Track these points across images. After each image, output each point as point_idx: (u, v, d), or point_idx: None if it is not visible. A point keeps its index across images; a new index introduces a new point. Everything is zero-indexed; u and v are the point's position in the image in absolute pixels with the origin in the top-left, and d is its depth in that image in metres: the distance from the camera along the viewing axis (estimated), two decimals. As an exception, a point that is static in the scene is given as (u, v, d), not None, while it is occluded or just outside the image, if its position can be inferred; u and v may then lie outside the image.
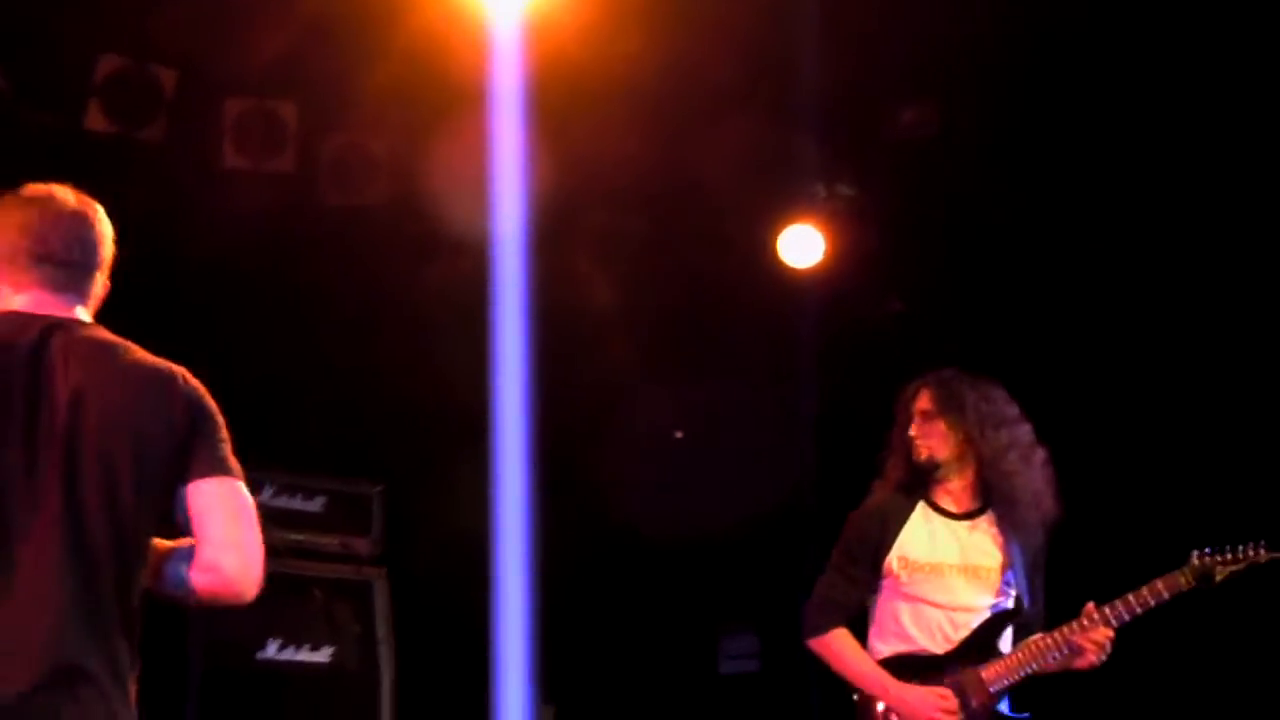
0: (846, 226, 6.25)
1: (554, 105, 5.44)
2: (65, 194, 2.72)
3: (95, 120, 5.59)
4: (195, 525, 2.55)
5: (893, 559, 4.13)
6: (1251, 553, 3.96)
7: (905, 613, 4.12)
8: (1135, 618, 3.97)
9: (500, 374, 5.89)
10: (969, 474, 4.15)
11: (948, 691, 4.03)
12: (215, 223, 5.79)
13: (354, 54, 5.42)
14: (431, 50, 5.30)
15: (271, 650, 5.91)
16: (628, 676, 7.33)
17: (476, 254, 5.80)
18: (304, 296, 6.46)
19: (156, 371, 2.59)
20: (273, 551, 6.17)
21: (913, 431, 4.17)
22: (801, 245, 6.28)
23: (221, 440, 2.63)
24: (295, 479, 6.24)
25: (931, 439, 4.14)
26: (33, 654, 2.38)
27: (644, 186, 6.01)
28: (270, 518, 6.01)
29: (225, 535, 2.57)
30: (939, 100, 5.74)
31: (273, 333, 6.52)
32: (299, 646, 5.97)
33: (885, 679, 4.08)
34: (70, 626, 2.42)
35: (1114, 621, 3.95)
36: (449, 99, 5.51)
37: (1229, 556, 3.95)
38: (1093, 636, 3.95)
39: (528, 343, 5.92)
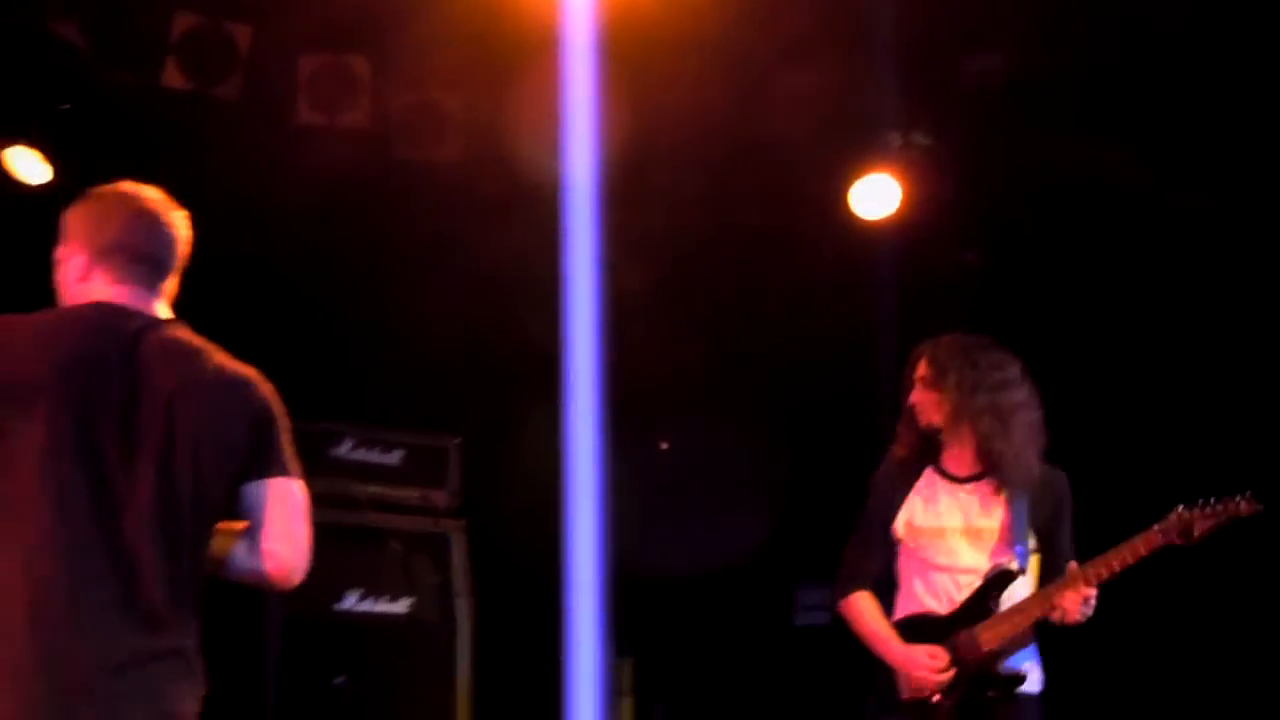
0: (922, 176, 6.19)
1: (627, 57, 5.41)
2: (155, 195, 2.96)
3: (172, 78, 5.64)
4: (263, 518, 2.86)
5: (899, 524, 4.23)
6: (1233, 505, 3.88)
7: (915, 576, 4.21)
8: (1115, 575, 3.96)
9: (572, 327, 5.90)
10: (968, 437, 4.19)
11: (939, 650, 4.09)
12: (290, 179, 5.83)
13: (426, 7, 5.42)
14: (503, 3, 5.29)
15: (350, 601, 5.98)
16: (704, 628, 7.35)
17: (549, 207, 5.79)
18: (379, 251, 6.49)
19: (236, 377, 2.88)
20: (352, 504, 6.32)
21: (913, 398, 4.26)
22: (877, 195, 6.23)
23: (287, 442, 2.93)
24: (373, 432, 6.30)
25: (928, 406, 4.22)
26: (138, 631, 2.67)
27: (717, 137, 5.96)
28: (349, 471, 6.15)
29: (285, 529, 2.88)
30: (1015, 46, 5.65)
31: (348, 288, 6.56)
32: (377, 598, 6.04)
33: (888, 640, 4.18)
34: (166, 608, 2.71)
35: (1094, 580, 3.96)
36: (521, 52, 5.49)
37: (1208, 510, 3.89)
38: (1072, 595, 3.95)
39: (599, 296, 5.92)
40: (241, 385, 2.87)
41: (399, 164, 6.12)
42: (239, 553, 2.87)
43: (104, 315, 2.82)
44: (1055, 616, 4.01)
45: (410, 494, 6.31)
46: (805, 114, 5.70)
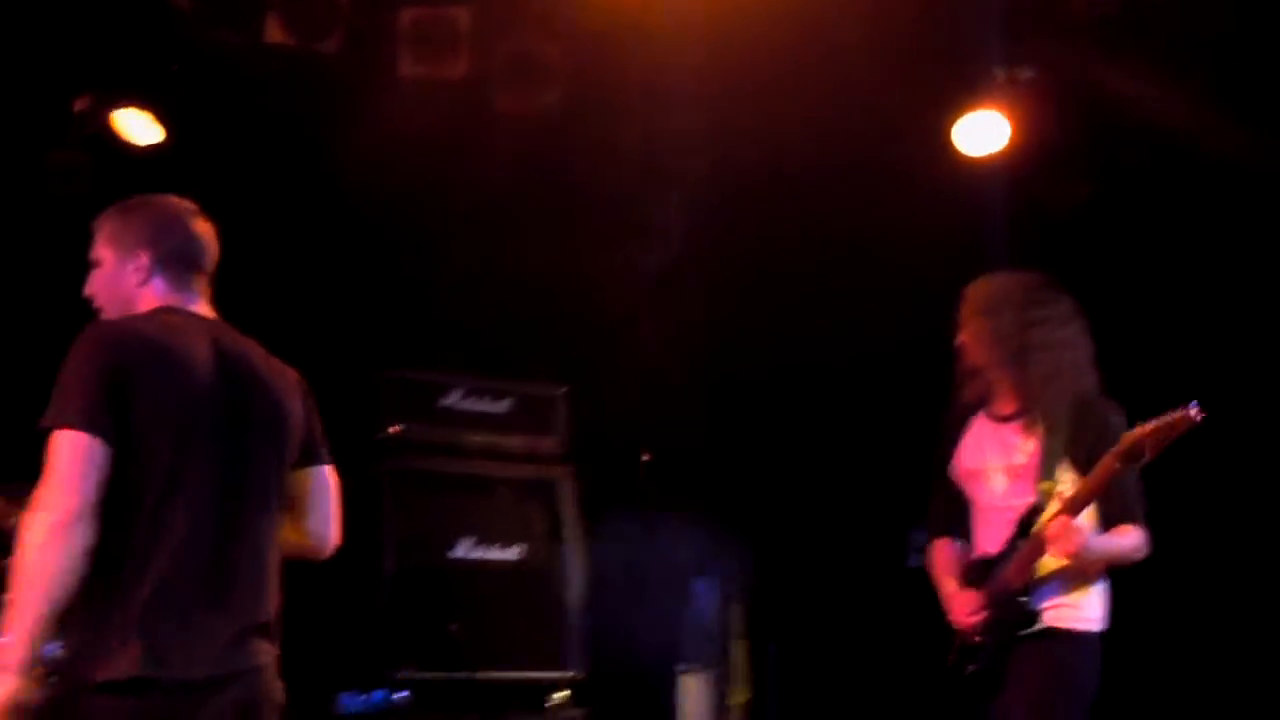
0: (1028, 110, 6.07)
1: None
2: (193, 206, 3.23)
3: (274, 34, 5.68)
4: (318, 501, 3.21)
5: (955, 468, 4.30)
6: (1174, 418, 3.72)
7: (975, 518, 4.26)
8: (1084, 505, 3.93)
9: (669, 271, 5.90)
10: (1004, 376, 4.19)
11: (974, 592, 4.14)
12: (392, 131, 5.86)
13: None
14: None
15: (462, 549, 6.04)
16: (818, 570, 7.33)
17: (648, 158, 5.78)
18: (481, 202, 6.51)
19: (288, 372, 3.21)
20: (462, 452, 6.38)
21: (958, 339, 4.28)
22: (982, 132, 6.12)
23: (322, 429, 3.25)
24: (482, 382, 6.34)
25: (969, 346, 4.24)
26: (246, 612, 3.00)
27: (816, 76, 5.89)
28: (459, 420, 6.21)
29: (331, 512, 3.24)
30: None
31: (451, 239, 6.60)
32: (489, 545, 6.10)
33: (943, 585, 4.29)
34: (264, 590, 3.05)
35: (1069, 511, 3.93)
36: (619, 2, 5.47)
37: (1151, 427, 3.76)
38: (1052, 527, 3.93)
39: (697, 239, 5.91)
40: (295, 378, 3.21)
41: (499, 115, 6.12)
42: (292, 534, 3.19)
43: (178, 320, 3.06)
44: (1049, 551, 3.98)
45: (519, 442, 6.35)
46: (907, 49, 5.62)
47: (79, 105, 5.96)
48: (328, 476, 3.24)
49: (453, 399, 6.27)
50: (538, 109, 6.07)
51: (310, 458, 3.19)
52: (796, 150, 6.20)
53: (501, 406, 6.36)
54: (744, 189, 6.29)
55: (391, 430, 6.04)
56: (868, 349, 6.88)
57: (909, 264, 6.44)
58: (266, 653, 3.02)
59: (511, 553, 6.14)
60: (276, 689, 3.04)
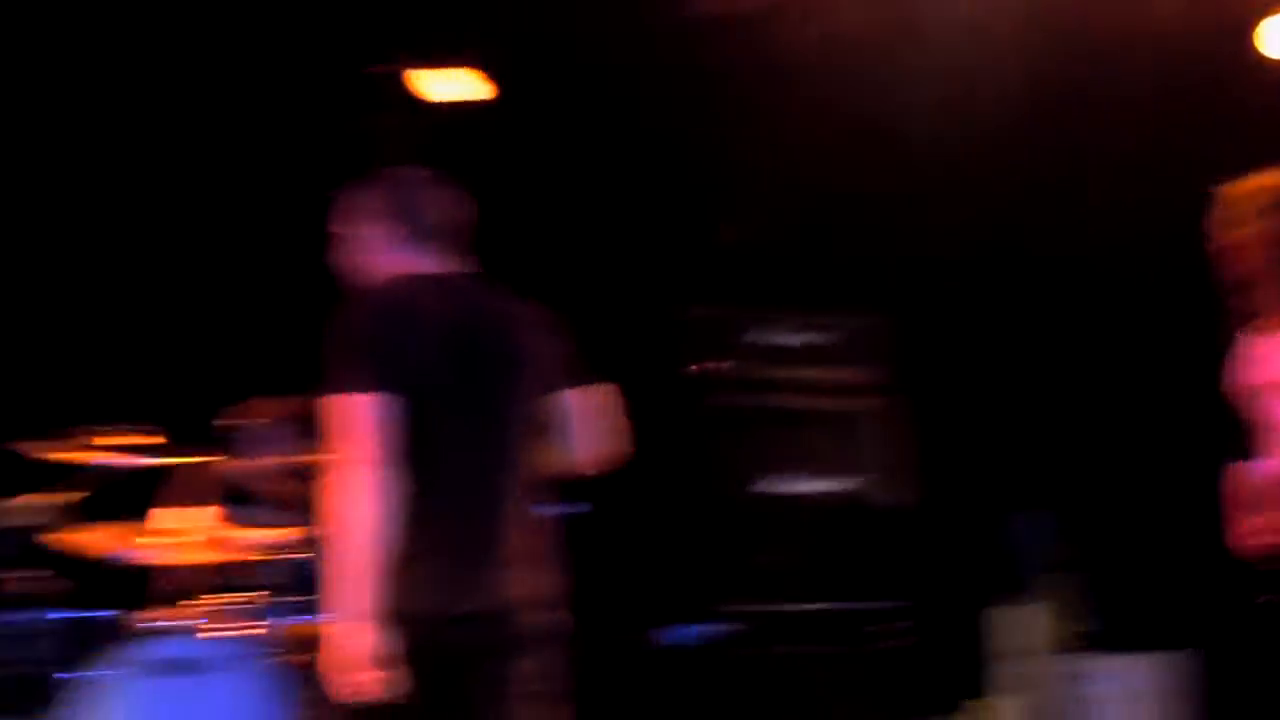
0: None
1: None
2: (436, 176, 3.38)
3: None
4: (559, 425, 3.32)
5: (1233, 385, 3.98)
6: None
7: (1258, 437, 3.93)
8: None
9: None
10: (1269, 285, 3.86)
11: (1256, 517, 3.84)
12: (690, 63, 5.89)
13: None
14: None
15: (781, 483, 6.07)
16: (1140, 501, 7.10)
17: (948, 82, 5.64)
18: (796, 137, 6.47)
19: (531, 312, 3.35)
20: (780, 386, 6.38)
21: (1223, 244, 3.95)
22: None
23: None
24: (807, 315, 6.34)
25: (1240, 252, 3.91)
26: (501, 548, 3.16)
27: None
28: (782, 353, 6.21)
29: (578, 433, 3.35)
30: None
31: (770, 172, 6.57)
32: (807, 478, 6.11)
33: (1228, 510, 3.96)
34: (517, 525, 3.20)
35: None
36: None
37: None
38: None
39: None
40: (538, 317, 3.35)
41: (793, 45, 6.07)
42: (546, 457, 3.31)
43: (434, 286, 3.24)
44: None
45: (841, 374, 6.31)
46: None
47: (393, 67, 6.18)
48: (572, 401, 3.34)
49: (778, 332, 6.28)
50: (832, 37, 6.00)
51: (556, 385, 3.31)
52: (1095, 54, 5.96)
53: (826, 338, 6.34)
54: (1051, 103, 6.08)
55: (702, 366, 6.09)
56: (1169, 276, 6.59)
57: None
58: (522, 584, 3.17)
59: (830, 485, 6.14)
60: (541, 619, 3.19)
